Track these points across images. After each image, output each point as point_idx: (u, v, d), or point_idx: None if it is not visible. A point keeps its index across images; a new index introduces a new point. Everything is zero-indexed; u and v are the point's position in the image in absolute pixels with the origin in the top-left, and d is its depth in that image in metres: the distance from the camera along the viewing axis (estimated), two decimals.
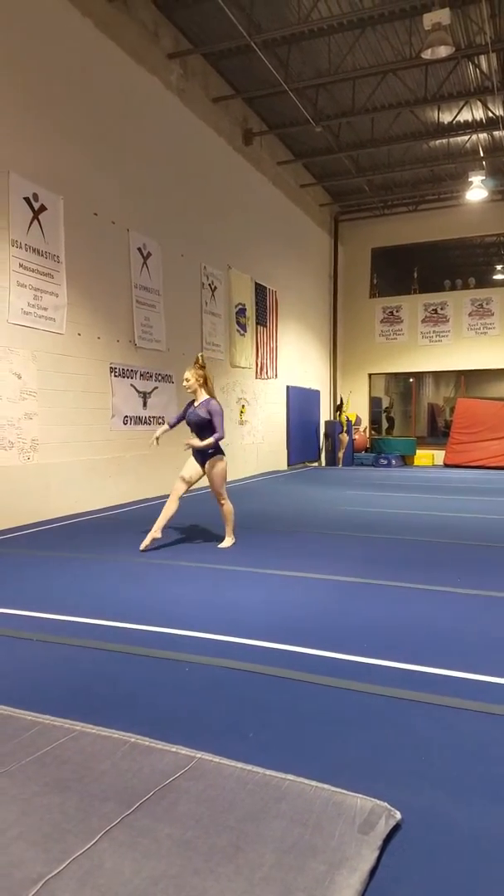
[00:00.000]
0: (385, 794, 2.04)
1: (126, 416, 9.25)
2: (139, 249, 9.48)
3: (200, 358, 6.14)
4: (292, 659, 3.26)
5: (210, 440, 5.82)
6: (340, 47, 10.42)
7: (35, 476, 7.58)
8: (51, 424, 7.81)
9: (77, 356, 8.27)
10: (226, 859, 1.72)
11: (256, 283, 13.33)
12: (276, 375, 14.43)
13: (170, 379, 10.27)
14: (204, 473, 6.01)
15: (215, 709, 2.69)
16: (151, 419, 9.84)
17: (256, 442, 13.62)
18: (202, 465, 5.99)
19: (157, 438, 6.19)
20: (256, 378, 13.52)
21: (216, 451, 5.96)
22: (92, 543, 6.31)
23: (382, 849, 1.78)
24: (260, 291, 13.48)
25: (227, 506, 6.13)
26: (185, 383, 6.02)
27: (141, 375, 9.57)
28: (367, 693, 2.85)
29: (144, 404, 9.66)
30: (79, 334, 8.30)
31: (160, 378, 10.04)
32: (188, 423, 6.02)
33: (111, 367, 8.92)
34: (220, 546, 6.11)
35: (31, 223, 7.53)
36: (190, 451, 6.09)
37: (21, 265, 7.40)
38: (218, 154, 11.69)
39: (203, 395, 5.98)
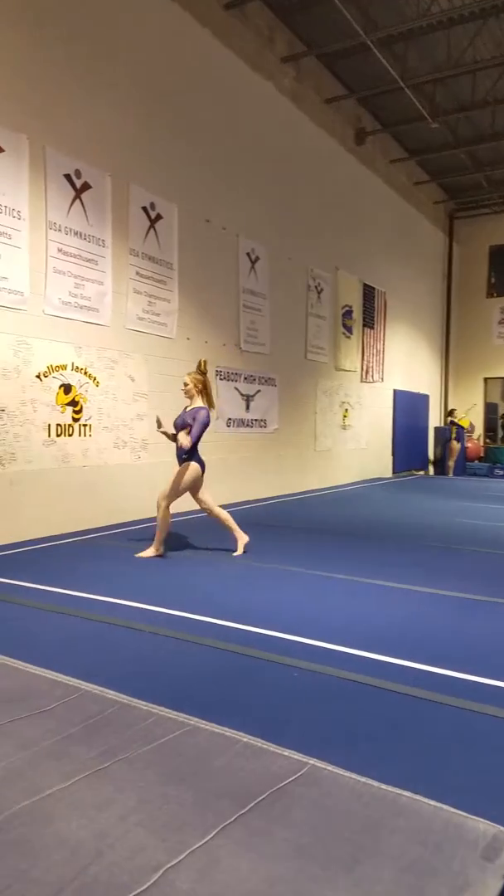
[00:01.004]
0: None
1: (230, 419, 9.39)
2: (248, 254, 9.61)
3: (202, 364, 5.92)
4: (404, 673, 3.18)
5: (183, 440, 5.49)
6: (460, 39, 10.14)
7: (144, 474, 7.83)
8: None
9: (185, 360, 8.48)
10: (343, 870, 1.69)
11: (365, 284, 13.17)
12: (382, 379, 14.18)
13: (273, 382, 10.34)
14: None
15: (325, 717, 2.67)
16: (254, 422, 9.94)
17: (360, 447, 13.44)
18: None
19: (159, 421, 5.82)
20: (361, 381, 13.35)
21: (190, 456, 5.69)
22: (198, 542, 6.44)
23: None
24: (368, 292, 13.31)
25: (167, 513, 5.67)
26: (183, 387, 5.85)
27: (245, 378, 9.69)
28: (487, 715, 2.73)
29: (247, 407, 9.77)
30: (188, 338, 8.51)
31: (263, 381, 10.13)
32: (174, 427, 5.80)
33: (217, 371, 9.08)
34: (138, 554, 5.71)
35: (147, 232, 7.80)
36: (162, 433, 5.79)
37: (138, 273, 7.69)
38: (329, 155, 11.67)
39: (197, 402, 5.74)
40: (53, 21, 6.53)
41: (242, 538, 5.89)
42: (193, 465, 5.69)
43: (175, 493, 5.67)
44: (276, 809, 1.93)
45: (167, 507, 5.66)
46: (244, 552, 5.82)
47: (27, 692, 2.70)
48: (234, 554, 5.84)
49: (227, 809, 1.91)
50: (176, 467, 5.80)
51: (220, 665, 3.22)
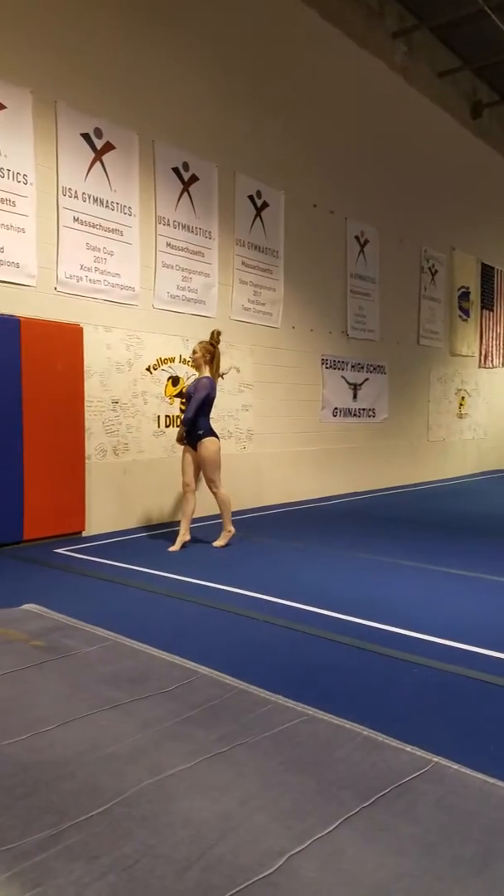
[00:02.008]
0: None
1: (336, 408, 9.28)
2: (356, 237, 9.43)
3: (215, 334, 5.72)
4: None
5: (185, 419, 5.49)
6: None
7: (250, 464, 7.90)
8: (264, 416, 8.09)
9: (290, 349, 8.46)
10: (472, 872, 1.62)
11: (483, 264, 12.60)
12: (502, 364, 13.54)
13: (382, 370, 10.12)
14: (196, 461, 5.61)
15: (448, 715, 2.57)
16: (361, 411, 9.77)
17: (477, 437, 12.91)
18: (194, 449, 5.59)
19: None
20: (480, 367, 12.80)
21: (205, 432, 5.51)
22: (304, 533, 6.42)
23: None
24: (487, 272, 12.72)
25: (221, 494, 5.59)
26: (191, 355, 5.75)
27: (352, 366, 9.53)
28: None
29: (355, 396, 9.62)
30: (293, 327, 8.48)
31: (372, 369, 9.93)
32: (185, 397, 5.68)
33: (322, 359, 9.00)
34: (214, 544, 5.68)
35: (253, 221, 7.82)
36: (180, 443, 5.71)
37: (243, 263, 7.73)
38: (443, 131, 11.25)
39: (204, 372, 5.61)
40: (157, 19, 6.64)
41: (185, 537, 5.68)
42: (209, 440, 5.53)
43: (214, 473, 5.57)
44: (399, 805, 1.88)
45: (219, 490, 5.60)
46: (178, 549, 5.58)
47: (147, 673, 2.79)
48: (170, 548, 5.60)
49: (349, 801, 1.88)
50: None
51: (335, 657, 3.19)
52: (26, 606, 3.74)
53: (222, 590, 4.31)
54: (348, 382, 9.50)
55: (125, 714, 2.40)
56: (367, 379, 9.82)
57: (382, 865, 1.63)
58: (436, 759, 2.11)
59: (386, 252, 10.00)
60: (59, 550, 5.47)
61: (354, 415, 9.65)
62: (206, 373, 5.64)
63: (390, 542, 5.98)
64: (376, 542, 5.99)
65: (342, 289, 9.28)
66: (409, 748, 2.17)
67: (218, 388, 7.36)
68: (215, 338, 5.73)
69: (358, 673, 2.98)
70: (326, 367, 9.07)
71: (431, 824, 1.80)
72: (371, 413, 9.97)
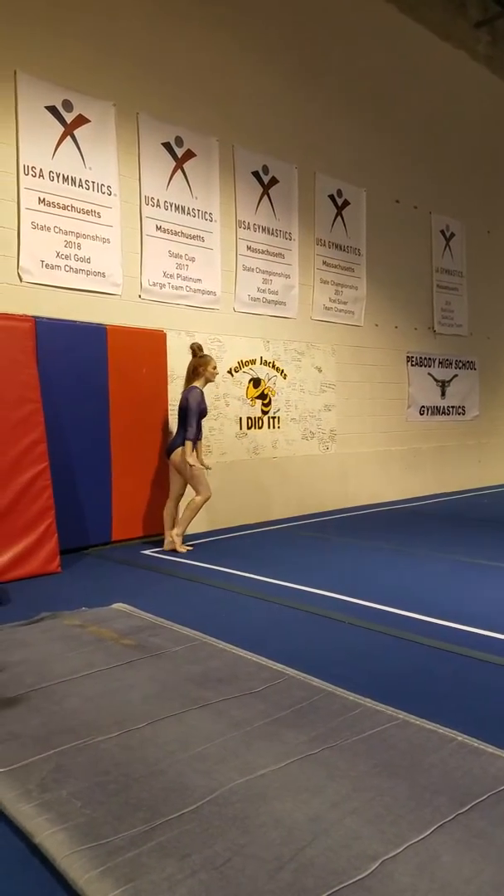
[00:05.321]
0: None
1: (423, 407, 9.05)
2: (441, 232, 9.19)
3: (194, 347, 5.60)
4: None
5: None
6: None
7: (333, 465, 7.82)
8: (347, 415, 7.98)
9: (374, 347, 8.32)
10: None
11: None
12: None
13: (472, 366, 9.79)
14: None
15: None
16: (451, 409, 9.49)
17: None
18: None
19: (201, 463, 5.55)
20: None
21: (183, 441, 5.40)
22: (390, 535, 6.28)
23: None
24: None
25: (198, 499, 5.45)
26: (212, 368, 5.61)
27: (440, 363, 9.28)
28: None
29: (443, 393, 9.35)
30: (376, 325, 8.34)
31: (461, 365, 9.62)
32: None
33: (408, 356, 8.80)
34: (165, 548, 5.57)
35: (334, 220, 7.76)
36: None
37: (324, 262, 7.68)
38: None
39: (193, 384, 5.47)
40: (235, 22, 6.70)
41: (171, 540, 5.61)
42: (181, 451, 5.44)
43: (202, 487, 5.44)
44: (497, 812, 1.80)
45: (200, 497, 5.46)
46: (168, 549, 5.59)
47: (235, 673, 2.79)
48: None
49: (444, 807, 1.82)
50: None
51: (425, 661, 3.09)
52: (116, 606, 3.84)
53: (308, 591, 4.27)
54: (436, 379, 9.24)
55: (215, 714, 2.42)
56: (455, 375, 9.53)
57: (480, 873, 1.56)
58: None
59: (473, 245, 9.68)
60: (146, 552, 5.58)
61: (443, 413, 9.38)
62: (194, 384, 5.55)
63: (482, 544, 5.76)
64: (468, 543, 5.79)
65: (428, 284, 9.06)
66: None
67: (299, 389, 7.42)
68: (194, 349, 5.65)
69: (449, 677, 2.87)
70: (412, 365, 8.87)
71: None
72: (461, 410, 9.67)
